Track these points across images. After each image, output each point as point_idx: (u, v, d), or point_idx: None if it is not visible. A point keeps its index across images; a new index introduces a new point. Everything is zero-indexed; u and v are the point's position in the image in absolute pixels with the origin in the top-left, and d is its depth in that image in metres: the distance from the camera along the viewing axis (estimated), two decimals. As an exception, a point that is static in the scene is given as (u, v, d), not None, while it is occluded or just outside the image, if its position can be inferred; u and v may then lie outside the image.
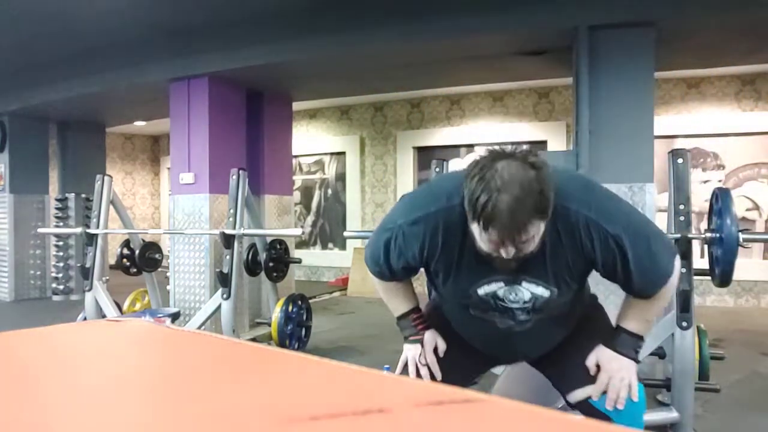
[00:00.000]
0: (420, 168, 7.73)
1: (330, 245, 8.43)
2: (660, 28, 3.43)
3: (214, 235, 4.30)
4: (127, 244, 4.53)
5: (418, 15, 3.92)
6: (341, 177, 8.33)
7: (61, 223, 6.81)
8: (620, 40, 3.44)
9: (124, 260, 4.50)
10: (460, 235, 1.38)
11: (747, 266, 5.70)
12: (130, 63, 4.99)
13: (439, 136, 7.59)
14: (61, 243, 6.91)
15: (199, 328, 3.88)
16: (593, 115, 3.45)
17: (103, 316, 4.07)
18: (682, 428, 2.42)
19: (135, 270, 4.53)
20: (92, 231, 4.29)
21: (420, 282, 2.06)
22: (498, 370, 2.20)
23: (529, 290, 1.41)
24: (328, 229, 8.44)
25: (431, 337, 1.65)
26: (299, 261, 5.04)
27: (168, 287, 4.84)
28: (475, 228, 1.26)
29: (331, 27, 4.21)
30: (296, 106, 6.20)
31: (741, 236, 2.27)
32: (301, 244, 8.31)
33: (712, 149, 6.27)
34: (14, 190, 6.69)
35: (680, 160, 2.56)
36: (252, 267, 4.38)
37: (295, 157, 7.50)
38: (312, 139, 8.51)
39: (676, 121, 6.36)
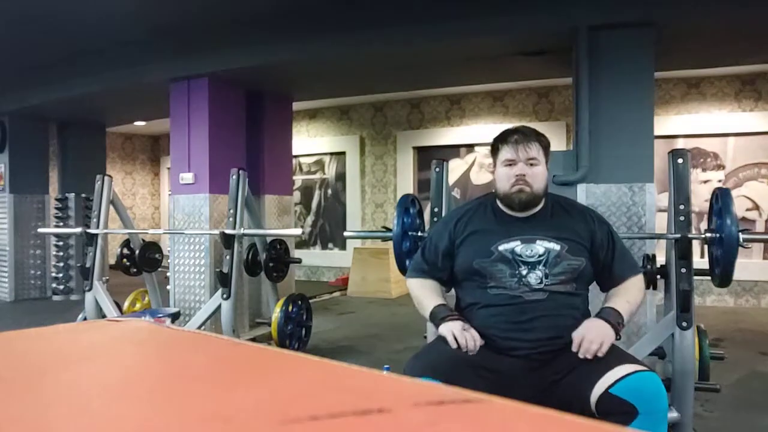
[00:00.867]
0: (420, 168, 7.73)
1: (330, 245, 8.43)
2: (660, 28, 3.43)
3: (214, 235, 4.30)
4: (127, 244, 4.53)
5: (418, 15, 3.92)
6: (341, 177, 8.33)
7: (61, 223, 6.82)
8: (620, 40, 3.44)
9: (124, 260, 4.50)
10: (487, 211, 1.88)
11: (747, 266, 5.70)
12: (130, 63, 4.99)
13: (439, 136, 7.60)
14: (61, 243, 6.91)
15: (199, 328, 3.88)
16: (593, 115, 3.45)
17: (103, 316, 4.07)
18: (682, 428, 2.42)
19: (135, 270, 4.52)
20: (92, 231, 4.29)
21: None
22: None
23: (542, 245, 1.74)
24: (328, 229, 8.44)
25: (464, 323, 1.74)
26: (299, 261, 5.05)
27: (168, 287, 4.84)
28: (499, 153, 1.83)
29: (332, 27, 4.21)
30: (296, 106, 6.20)
31: (741, 236, 2.27)
32: (301, 244, 8.32)
33: (712, 149, 6.28)
34: (14, 190, 6.70)
35: (680, 160, 2.56)
36: (252, 267, 4.38)
37: (295, 157, 7.50)
38: (312, 139, 8.51)
39: (676, 121, 6.36)
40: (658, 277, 2.78)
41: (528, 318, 1.69)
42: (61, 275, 6.89)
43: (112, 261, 5.20)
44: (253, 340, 4.45)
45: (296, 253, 5.60)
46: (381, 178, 8.01)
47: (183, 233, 4.63)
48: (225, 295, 3.83)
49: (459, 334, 1.67)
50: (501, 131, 1.87)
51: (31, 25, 4.39)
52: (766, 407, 3.03)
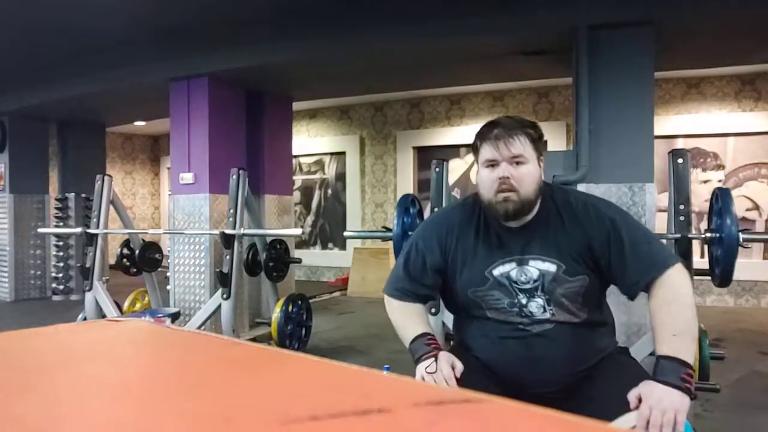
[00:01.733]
0: (420, 168, 7.73)
1: (330, 245, 8.43)
2: (660, 28, 3.43)
3: (214, 235, 4.30)
4: (127, 244, 4.53)
5: (418, 15, 3.92)
6: (341, 177, 8.33)
7: (61, 223, 6.82)
8: (620, 40, 3.44)
9: (124, 260, 4.50)
10: (474, 224, 1.56)
11: (747, 266, 5.70)
12: (130, 63, 4.99)
13: (439, 136, 7.60)
14: (61, 243, 6.91)
15: (199, 328, 3.88)
16: (593, 115, 3.45)
17: (103, 316, 4.07)
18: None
19: (135, 270, 4.53)
20: (92, 231, 4.29)
21: None
22: None
23: (536, 267, 1.47)
24: (328, 229, 8.44)
25: (447, 355, 1.49)
26: (299, 261, 5.04)
27: (168, 287, 4.84)
28: (479, 152, 1.53)
29: (332, 27, 4.21)
30: (296, 106, 6.20)
31: (741, 236, 2.27)
32: (301, 244, 8.31)
33: (712, 149, 6.28)
34: (14, 190, 6.70)
35: (680, 160, 2.56)
36: (252, 267, 4.38)
37: (295, 157, 7.50)
38: (312, 139, 8.51)
39: (676, 121, 6.36)
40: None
41: (537, 355, 1.46)
42: (61, 275, 6.89)
43: (112, 261, 5.20)
44: (253, 340, 4.45)
45: (296, 253, 5.60)
46: (381, 178, 8.01)
47: (183, 233, 4.63)
48: (225, 295, 3.83)
49: (428, 378, 1.44)
50: (482, 125, 1.56)
51: (31, 25, 4.39)
52: (766, 407, 3.03)
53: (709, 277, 2.53)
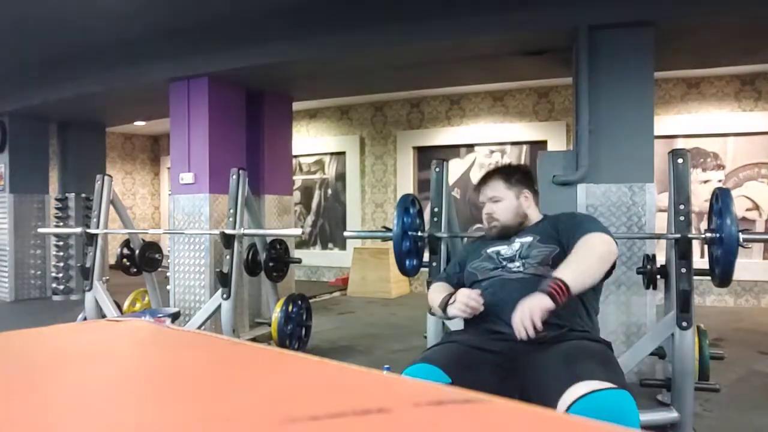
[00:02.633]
0: (420, 168, 7.73)
1: (330, 245, 8.43)
2: (660, 28, 3.43)
3: (214, 235, 4.30)
4: (127, 244, 4.53)
5: (418, 15, 3.92)
6: (341, 177, 8.33)
7: (61, 223, 6.82)
8: (620, 40, 3.44)
9: (124, 260, 4.50)
10: (479, 241, 2.20)
11: (747, 266, 5.70)
12: (130, 63, 4.99)
13: (439, 136, 7.60)
14: (61, 243, 6.91)
15: (199, 328, 3.87)
16: (593, 115, 3.45)
17: (103, 316, 4.07)
18: (682, 428, 2.42)
19: (135, 270, 4.52)
20: (92, 231, 4.29)
21: (420, 281, 2.44)
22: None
23: (519, 241, 1.97)
24: (328, 229, 8.44)
25: (462, 290, 1.85)
26: (299, 261, 5.04)
27: (168, 287, 4.84)
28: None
29: (332, 27, 4.21)
30: (296, 106, 6.20)
31: (741, 236, 2.27)
32: (301, 244, 8.32)
33: (712, 149, 6.28)
34: (14, 190, 6.70)
35: (680, 160, 2.56)
36: (252, 267, 4.38)
37: (295, 157, 7.50)
38: (312, 139, 8.51)
39: (676, 121, 6.36)
40: (658, 277, 2.78)
41: (510, 292, 1.77)
42: (61, 275, 6.89)
43: (112, 261, 5.20)
44: (253, 340, 4.45)
45: (296, 253, 5.60)
46: (381, 178, 8.01)
47: (183, 233, 4.63)
48: (225, 295, 3.83)
49: (455, 310, 1.79)
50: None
51: (32, 25, 4.39)
52: (766, 407, 3.03)
53: (709, 277, 2.53)
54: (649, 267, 2.81)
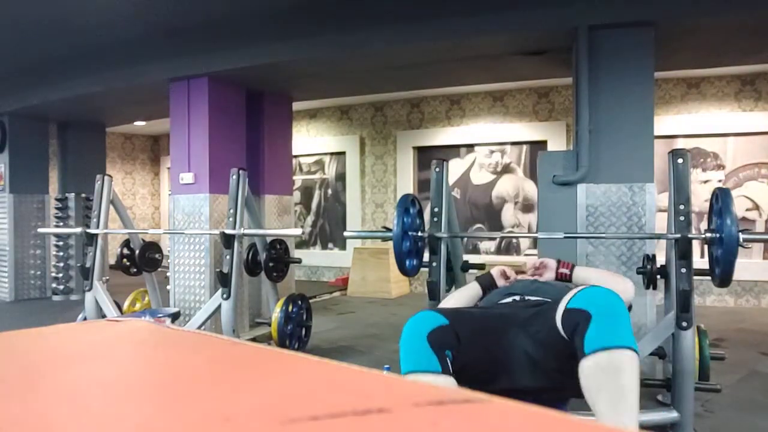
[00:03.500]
0: (420, 168, 7.73)
1: (330, 245, 8.43)
2: (660, 28, 3.43)
3: (214, 235, 4.30)
4: (127, 244, 4.53)
5: (418, 15, 3.92)
6: (341, 177, 8.33)
7: (61, 223, 6.82)
8: (620, 40, 3.44)
9: (124, 260, 4.50)
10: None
11: (747, 266, 5.70)
12: (130, 63, 4.99)
13: (439, 136, 7.59)
14: (61, 243, 6.91)
15: (199, 328, 3.88)
16: (593, 115, 3.45)
17: (103, 316, 4.07)
18: (682, 428, 2.42)
19: (135, 270, 4.52)
20: (92, 231, 4.29)
21: (420, 281, 2.52)
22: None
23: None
24: (328, 229, 8.44)
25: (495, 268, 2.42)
26: (299, 261, 5.05)
27: (168, 287, 4.84)
28: None
29: (332, 27, 4.21)
30: (296, 106, 6.20)
31: (741, 236, 2.27)
32: (301, 244, 8.32)
33: (712, 149, 6.28)
34: (14, 190, 6.70)
35: (680, 160, 2.56)
36: (252, 267, 4.38)
37: (295, 157, 7.50)
38: (312, 139, 8.51)
39: (676, 121, 6.36)
40: (658, 277, 2.78)
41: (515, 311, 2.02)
42: (61, 275, 6.89)
43: (112, 261, 5.20)
44: (253, 340, 4.45)
45: (296, 253, 5.60)
46: (381, 178, 8.01)
47: (183, 233, 4.63)
48: (225, 295, 3.83)
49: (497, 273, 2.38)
50: None
51: (32, 25, 4.39)
52: (767, 407, 3.03)
53: (709, 277, 2.53)
54: (649, 267, 2.81)
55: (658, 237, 2.96)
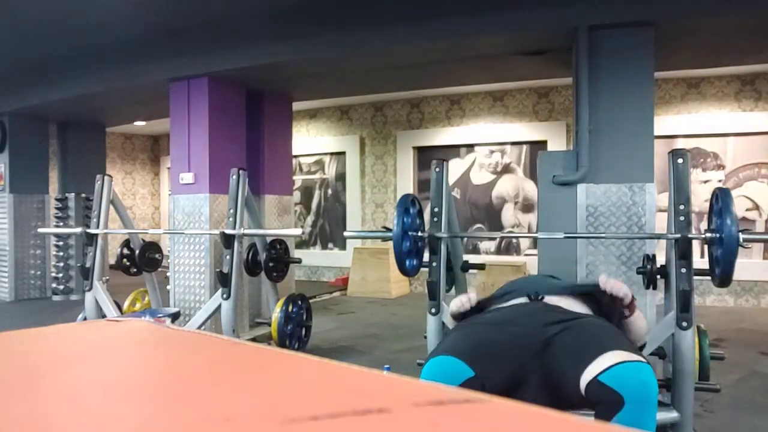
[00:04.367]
0: (420, 168, 7.73)
1: (330, 245, 8.43)
2: (660, 28, 3.43)
3: (214, 235, 4.30)
4: (127, 244, 4.52)
5: (418, 15, 3.92)
6: (341, 177, 8.33)
7: (61, 223, 6.81)
8: (620, 40, 3.43)
9: (124, 260, 4.50)
10: None
11: (747, 266, 5.70)
12: (130, 63, 4.98)
13: (439, 136, 7.60)
14: (61, 243, 6.91)
15: (199, 328, 3.87)
16: (593, 115, 3.45)
17: (103, 316, 4.07)
18: (682, 428, 2.42)
19: (135, 270, 4.52)
20: (92, 231, 4.29)
21: (420, 282, 2.58)
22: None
23: None
24: (328, 229, 8.44)
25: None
26: (299, 261, 5.05)
27: (168, 287, 4.84)
28: None
29: (332, 27, 4.21)
30: (296, 106, 6.20)
31: (741, 236, 2.26)
32: (301, 244, 8.32)
33: (712, 149, 6.28)
34: (14, 190, 6.70)
35: (680, 160, 2.56)
36: (252, 267, 4.38)
37: (295, 157, 7.50)
38: (312, 139, 8.51)
39: (676, 121, 6.36)
40: (658, 277, 2.78)
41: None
42: (61, 275, 6.89)
43: (112, 261, 5.20)
44: (253, 340, 4.45)
45: (296, 253, 5.60)
46: (381, 178, 8.01)
47: (183, 233, 4.63)
48: (225, 295, 3.83)
49: (453, 305, 2.23)
50: None
51: (32, 25, 4.39)
52: (767, 408, 3.03)
53: (709, 277, 2.53)
54: (649, 267, 2.81)
55: (658, 237, 2.95)
